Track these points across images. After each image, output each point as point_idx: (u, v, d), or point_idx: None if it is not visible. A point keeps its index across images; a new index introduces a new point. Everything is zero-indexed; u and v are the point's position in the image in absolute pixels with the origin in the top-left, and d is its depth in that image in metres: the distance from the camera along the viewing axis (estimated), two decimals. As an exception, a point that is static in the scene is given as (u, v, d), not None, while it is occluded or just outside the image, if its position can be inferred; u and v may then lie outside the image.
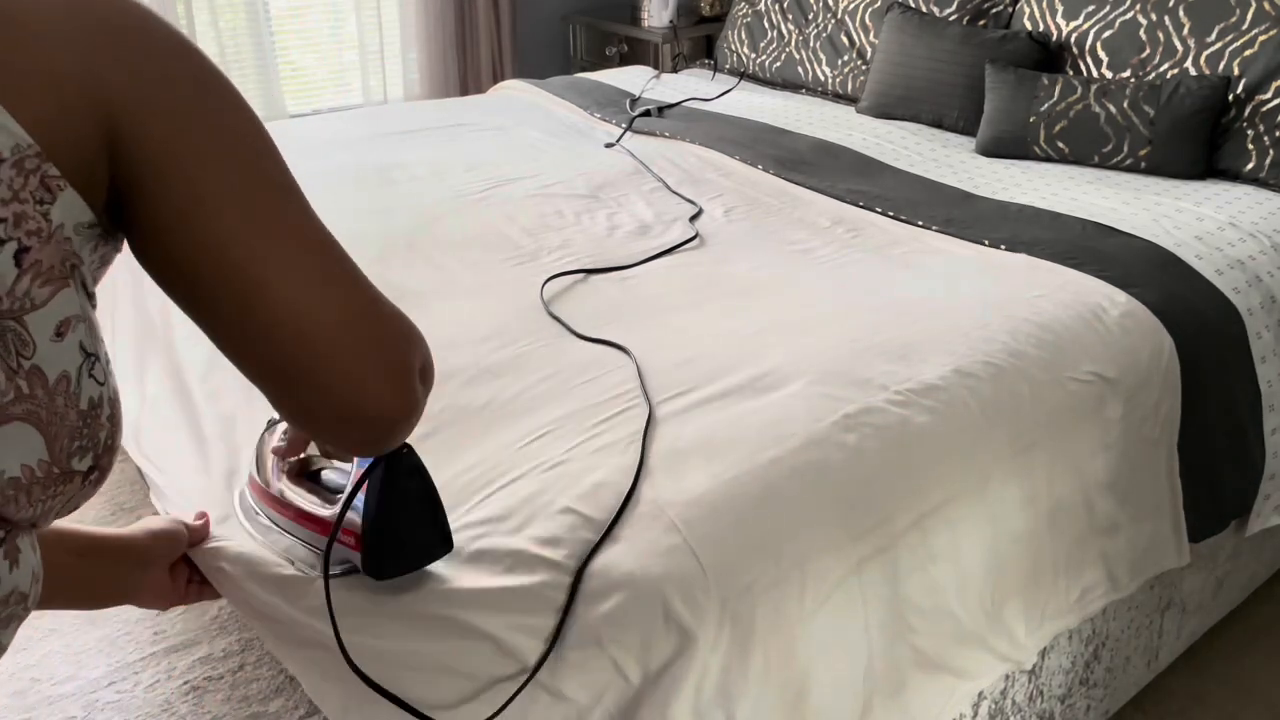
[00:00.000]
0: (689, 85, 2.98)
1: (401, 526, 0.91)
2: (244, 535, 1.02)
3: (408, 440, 0.86)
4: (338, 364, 0.65)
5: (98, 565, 0.91)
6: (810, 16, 3.01)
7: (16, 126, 0.54)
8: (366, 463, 0.89)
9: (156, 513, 1.22)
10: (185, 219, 0.61)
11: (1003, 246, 1.73)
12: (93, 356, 0.61)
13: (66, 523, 0.87)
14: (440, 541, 0.95)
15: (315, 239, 0.66)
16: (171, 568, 0.99)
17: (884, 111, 2.62)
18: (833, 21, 2.94)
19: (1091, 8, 2.38)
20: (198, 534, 1.02)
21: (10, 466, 0.57)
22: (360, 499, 0.89)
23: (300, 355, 0.64)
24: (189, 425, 1.33)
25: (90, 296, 0.63)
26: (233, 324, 0.64)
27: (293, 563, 0.97)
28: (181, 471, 1.26)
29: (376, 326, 0.68)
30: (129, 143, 0.59)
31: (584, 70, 3.78)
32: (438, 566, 0.97)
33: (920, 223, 1.85)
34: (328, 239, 0.67)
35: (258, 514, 1.02)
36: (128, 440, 1.41)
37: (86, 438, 0.60)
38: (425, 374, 0.73)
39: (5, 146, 0.54)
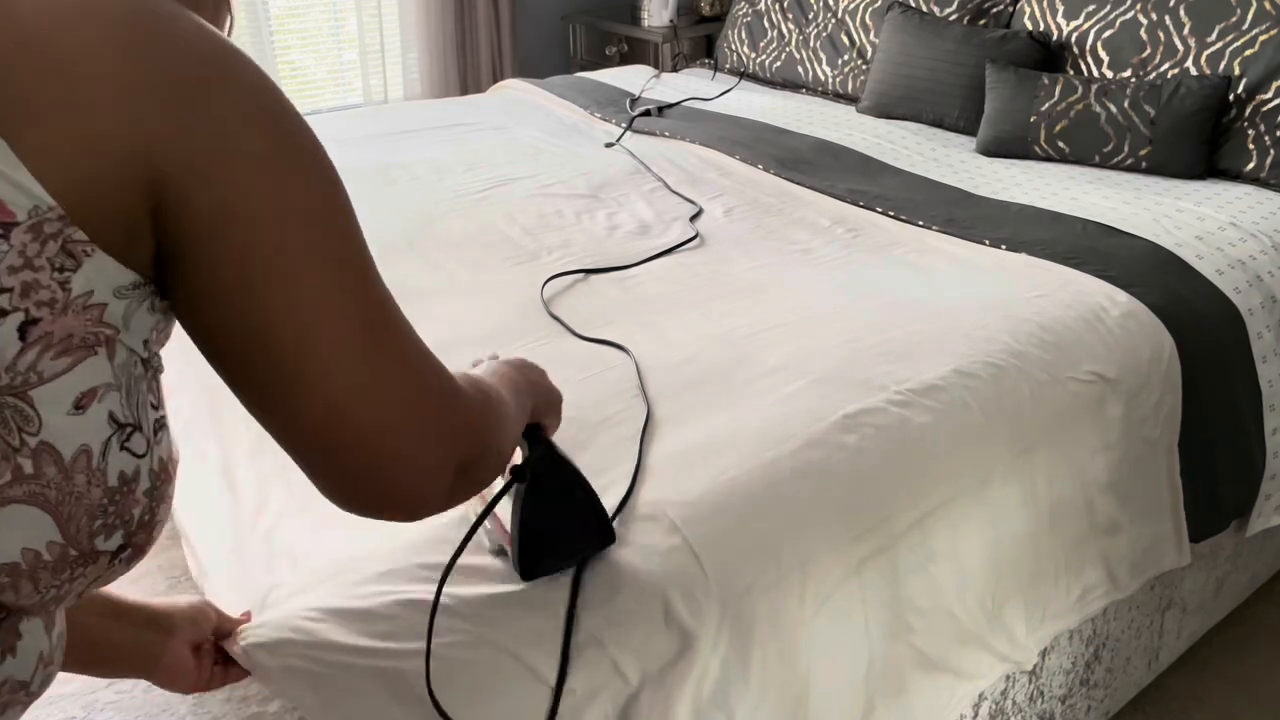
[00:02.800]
0: (689, 85, 2.97)
1: (546, 531, 0.93)
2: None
3: (552, 440, 0.91)
4: (383, 458, 0.62)
5: (118, 630, 0.85)
6: (810, 16, 3.01)
7: (37, 187, 0.50)
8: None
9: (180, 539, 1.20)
10: (231, 290, 0.56)
11: (1003, 246, 1.73)
12: (129, 427, 0.56)
13: None
14: (597, 536, 0.97)
15: (376, 319, 0.61)
16: (196, 649, 0.91)
17: (884, 111, 2.62)
18: (833, 21, 2.93)
19: (1092, 7, 2.37)
20: (234, 624, 0.94)
21: (8, 552, 0.53)
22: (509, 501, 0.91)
23: (344, 445, 0.60)
24: (220, 449, 1.30)
25: (144, 360, 0.58)
26: (275, 405, 0.60)
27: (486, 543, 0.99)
28: (209, 506, 1.23)
29: (438, 419, 0.65)
30: (176, 206, 0.53)
31: (584, 70, 3.78)
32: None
33: (921, 223, 1.85)
34: (391, 316, 0.63)
35: None
36: None
37: (113, 515, 0.56)
38: (477, 463, 0.70)
39: (22, 208, 0.50)
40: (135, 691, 1.72)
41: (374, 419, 0.60)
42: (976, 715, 1.33)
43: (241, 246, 0.55)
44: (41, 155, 0.50)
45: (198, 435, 1.33)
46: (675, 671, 0.94)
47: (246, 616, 0.96)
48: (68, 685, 1.73)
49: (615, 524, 1.02)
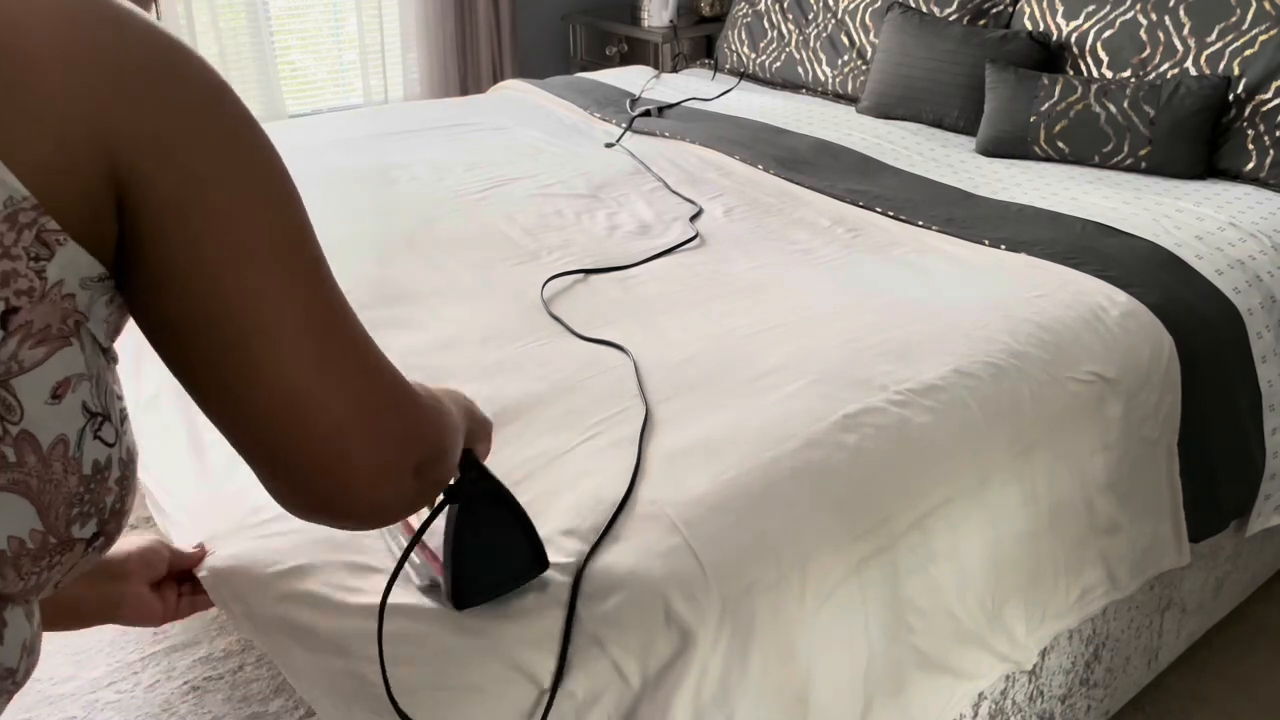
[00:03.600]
0: (689, 85, 2.98)
1: (481, 557, 0.91)
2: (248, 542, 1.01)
3: (484, 464, 0.89)
4: (335, 459, 0.61)
5: (76, 585, 0.86)
6: (810, 16, 3.01)
7: (10, 177, 0.50)
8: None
9: (155, 523, 1.21)
10: (186, 276, 0.56)
11: (1003, 246, 1.73)
12: (99, 417, 0.57)
13: None
14: (532, 563, 0.94)
15: (329, 313, 0.61)
16: (159, 586, 0.97)
17: (884, 111, 2.62)
18: (833, 21, 2.93)
19: (1092, 7, 2.38)
20: (191, 560, 1.00)
21: None
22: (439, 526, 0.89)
23: (296, 443, 0.60)
24: (188, 429, 1.31)
25: (105, 351, 0.59)
26: (226, 397, 0.59)
27: (413, 577, 0.97)
28: (180, 481, 1.23)
29: (394, 419, 0.64)
30: (137, 191, 0.54)
31: (584, 70, 3.78)
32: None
33: (920, 223, 1.85)
34: (344, 314, 0.62)
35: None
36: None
37: (89, 504, 0.57)
38: (433, 465, 0.70)
39: None
40: (136, 691, 1.72)
41: (327, 414, 0.60)
42: (976, 715, 1.33)
43: (201, 227, 0.55)
44: (10, 146, 0.50)
45: (164, 408, 1.34)
46: (675, 671, 0.94)
47: (201, 549, 1.00)
48: (67, 685, 1.73)
49: (618, 525, 1.02)
